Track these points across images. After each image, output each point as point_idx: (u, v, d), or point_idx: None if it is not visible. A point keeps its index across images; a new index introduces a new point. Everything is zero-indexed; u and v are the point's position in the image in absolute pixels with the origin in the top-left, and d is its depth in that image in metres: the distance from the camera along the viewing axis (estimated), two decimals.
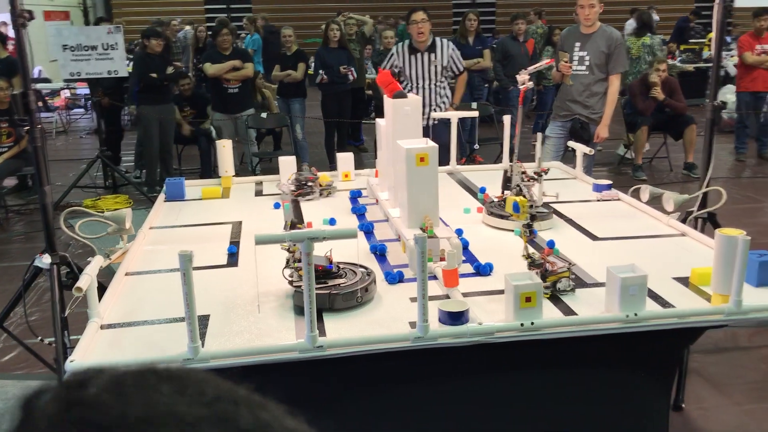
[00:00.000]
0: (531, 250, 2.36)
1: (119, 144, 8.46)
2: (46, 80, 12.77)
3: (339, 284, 2.20)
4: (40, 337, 3.13)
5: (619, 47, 5.29)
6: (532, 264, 2.29)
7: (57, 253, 3.00)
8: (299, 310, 2.15)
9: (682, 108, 7.63)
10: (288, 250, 2.29)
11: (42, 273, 3.10)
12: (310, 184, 3.43)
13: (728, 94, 10.22)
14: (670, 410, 2.91)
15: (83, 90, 11.47)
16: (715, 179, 6.94)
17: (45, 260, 2.98)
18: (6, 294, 3.35)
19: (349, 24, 9.04)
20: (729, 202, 6.23)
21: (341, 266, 2.31)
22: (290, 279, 2.25)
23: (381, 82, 3.00)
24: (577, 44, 5.33)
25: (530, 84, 3.02)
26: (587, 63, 5.29)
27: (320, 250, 2.30)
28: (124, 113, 10.35)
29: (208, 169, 7.44)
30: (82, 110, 12.67)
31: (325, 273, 2.23)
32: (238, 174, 3.85)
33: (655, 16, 14.58)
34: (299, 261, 2.24)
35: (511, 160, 3.11)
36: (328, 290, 2.15)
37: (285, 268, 2.31)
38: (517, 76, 3.10)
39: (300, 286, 2.16)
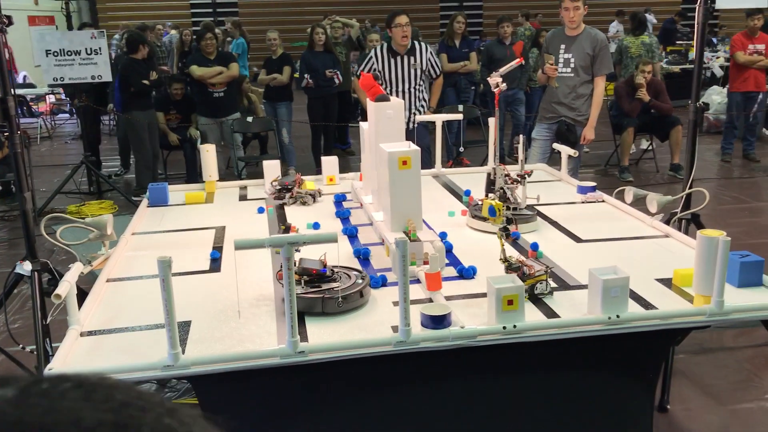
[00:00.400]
0: (508, 253, 2.35)
1: (98, 147, 8.37)
2: (31, 85, 12.71)
3: (332, 288, 2.19)
4: (21, 345, 3.10)
5: (604, 49, 5.30)
6: (509, 267, 2.28)
7: (38, 260, 2.97)
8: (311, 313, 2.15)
9: (668, 109, 7.67)
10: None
11: (23, 280, 3.07)
12: (290, 189, 3.41)
13: (713, 95, 10.28)
14: (654, 411, 2.91)
15: None
16: (701, 180, 7.00)
17: (26, 267, 2.96)
18: None
19: (335, 27, 9.04)
20: (715, 202, 6.27)
21: (335, 270, 2.30)
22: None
23: (363, 86, 3.00)
24: (562, 46, 5.34)
25: (503, 86, 3.01)
26: (572, 65, 5.30)
27: (315, 253, 2.29)
28: (110, 118, 10.29)
29: (193, 173, 7.40)
30: (67, 115, 12.60)
31: (319, 276, 2.22)
32: (224, 178, 3.83)
33: (653, 19, 14.70)
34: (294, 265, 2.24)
35: (494, 163, 3.11)
36: (321, 294, 2.14)
37: (280, 271, 2.31)
38: (489, 79, 3.09)
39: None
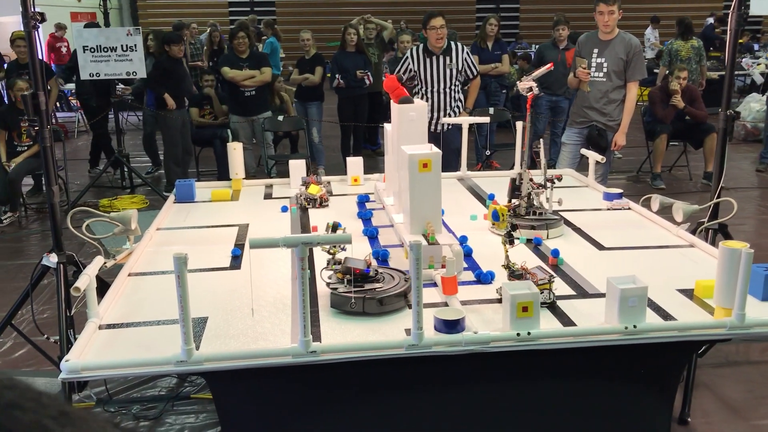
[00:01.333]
0: (512, 260, 2.33)
1: (110, 146, 8.39)
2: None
3: (374, 288, 2.19)
4: (46, 336, 3.16)
5: (637, 54, 5.23)
6: (512, 274, 2.26)
7: (64, 253, 3.02)
8: (336, 312, 2.17)
9: (703, 116, 7.52)
10: (328, 252, 2.32)
11: (50, 272, 3.13)
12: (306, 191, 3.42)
13: (752, 103, 10.07)
14: (674, 423, 2.87)
15: None
16: (736, 189, 6.86)
17: (52, 259, 3.01)
18: (20, 292, 3.38)
19: (369, 28, 9.04)
20: (748, 213, 6.14)
21: (380, 270, 2.31)
22: (328, 281, 2.27)
23: (387, 87, 3.00)
24: (595, 51, 5.28)
25: (536, 90, 2.98)
26: (605, 69, 5.24)
27: (359, 252, 2.29)
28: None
29: (224, 171, 7.46)
30: None
31: (363, 277, 2.23)
32: (255, 176, 3.87)
33: (710, 19, 14.52)
34: (338, 263, 2.26)
35: (521, 168, 3.09)
36: (363, 294, 2.15)
37: (324, 269, 2.33)
38: (519, 83, 3.07)
39: (336, 288, 2.17)
